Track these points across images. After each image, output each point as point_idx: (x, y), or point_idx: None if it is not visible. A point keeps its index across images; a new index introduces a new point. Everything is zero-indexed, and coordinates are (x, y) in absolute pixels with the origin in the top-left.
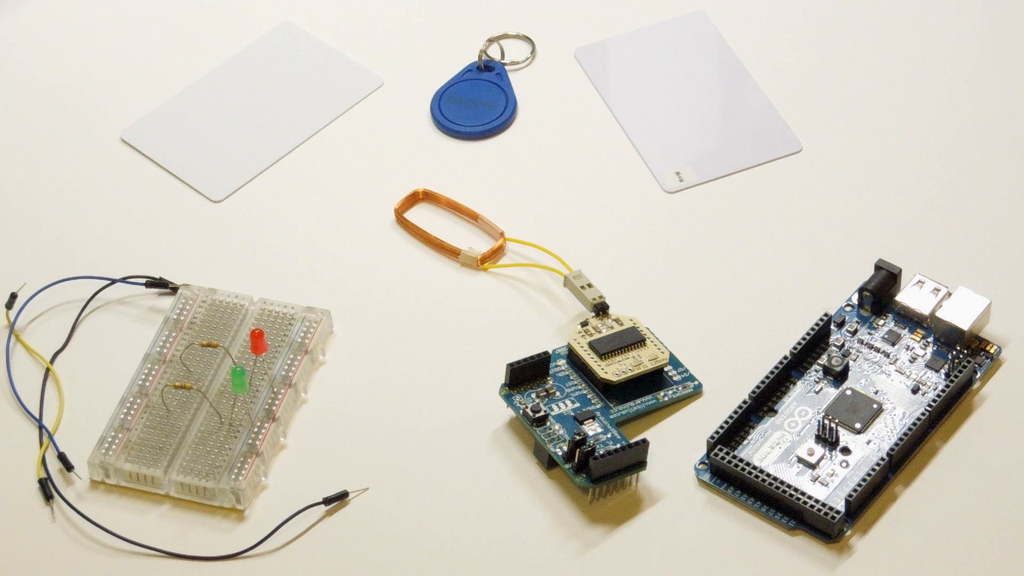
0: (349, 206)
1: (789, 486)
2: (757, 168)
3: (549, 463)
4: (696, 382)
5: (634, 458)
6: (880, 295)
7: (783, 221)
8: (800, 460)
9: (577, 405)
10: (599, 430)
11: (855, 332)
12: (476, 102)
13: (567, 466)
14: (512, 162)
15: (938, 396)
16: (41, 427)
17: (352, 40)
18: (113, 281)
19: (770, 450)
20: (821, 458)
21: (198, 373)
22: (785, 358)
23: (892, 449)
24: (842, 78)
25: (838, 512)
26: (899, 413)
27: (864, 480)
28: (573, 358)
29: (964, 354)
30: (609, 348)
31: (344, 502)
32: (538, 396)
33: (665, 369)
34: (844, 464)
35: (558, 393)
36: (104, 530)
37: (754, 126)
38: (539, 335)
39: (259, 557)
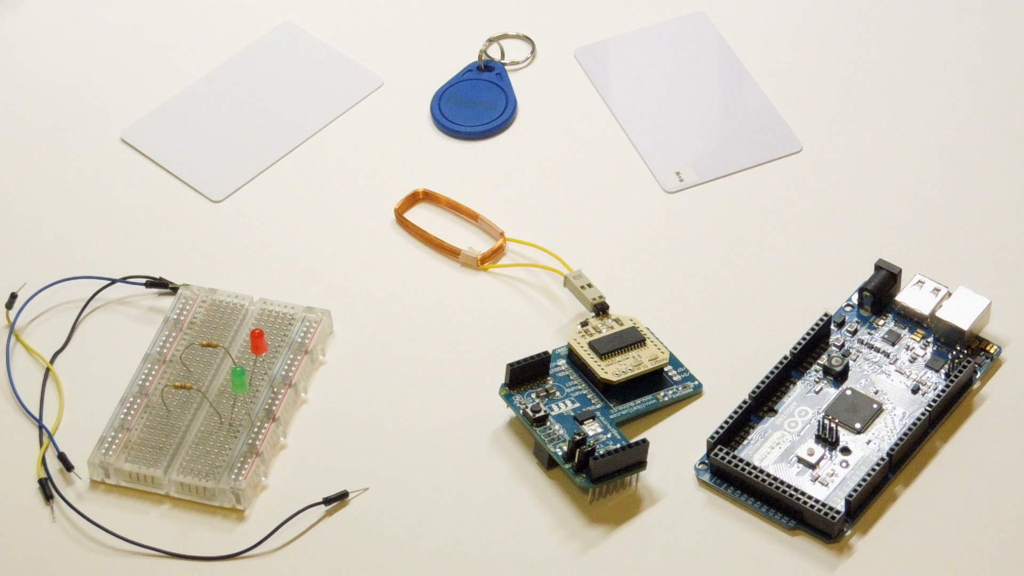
0: (349, 206)
1: (789, 486)
2: (757, 168)
3: (549, 463)
4: (696, 382)
5: (634, 458)
6: (880, 295)
7: (783, 221)
8: (800, 460)
9: (577, 405)
10: (599, 430)
11: (855, 332)
12: (476, 102)
13: (567, 466)
14: (512, 162)
15: (938, 396)
16: (41, 427)
17: (352, 40)
18: (113, 281)
19: (770, 450)
20: (821, 458)
21: (198, 373)
22: (785, 358)
23: (892, 449)
24: (842, 78)
25: (838, 512)
26: (899, 413)
27: (864, 480)
28: (573, 358)
29: (964, 354)
30: (609, 348)
31: (344, 502)
32: (538, 396)
33: (665, 369)
34: (844, 464)
35: (558, 393)
36: (104, 530)
37: (754, 126)
38: (539, 335)
39: (259, 557)
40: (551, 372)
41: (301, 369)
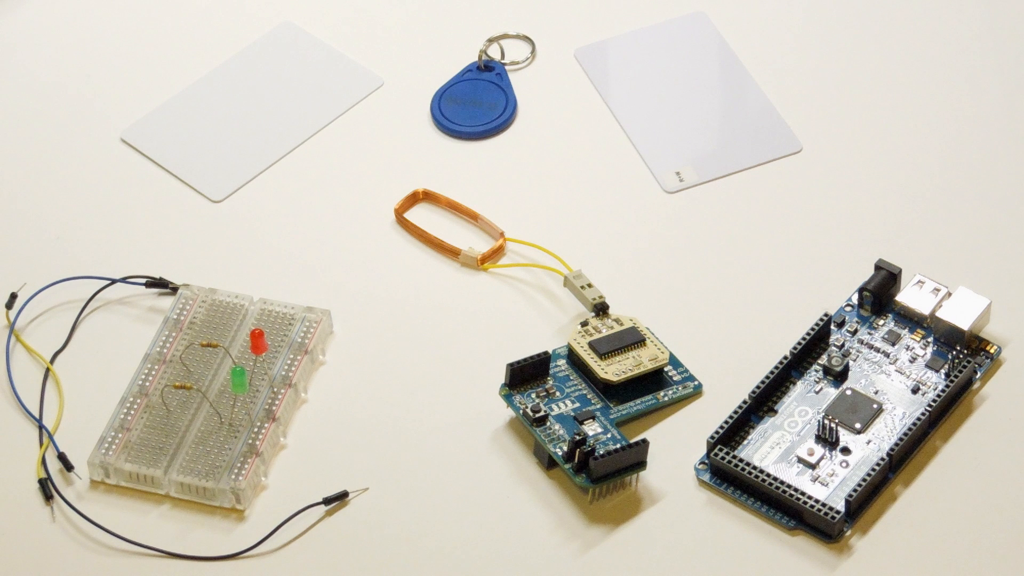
0: (349, 206)
1: (789, 486)
2: (757, 168)
3: (549, 463)
4: (696, 382)
5: (634, 458)
6: (880, 295)
7: (783, 221)
8: (800, 460)
9: (577, 405)
10: (599, 430)
11: (855, 332)
12: (476, 102)
13: (567, 466)
14: (512, 162)
15: (938, 396)
16: (41, 427)
17: (352, 40)
18: (113, 281)
19: (770, 450)
20: (821, 458)
21: (198, 373)
22: (785, 358)
23: (892, 449)
24: (842, 78)
25: (838, 512)
26: (899, 413)
27: (864, 480)
28: (573, 358)
29: (964, 354)
30: (609, 348)
31: (344, 502)
32: (538, 396)
33: (665, 369)
34: (844, 464)
35: (558, 393)
36: (104, 530)
37: (754, 126)
38: (539, 335)
39: (259, 557)
40: (551, 372)
41: (301, 369)
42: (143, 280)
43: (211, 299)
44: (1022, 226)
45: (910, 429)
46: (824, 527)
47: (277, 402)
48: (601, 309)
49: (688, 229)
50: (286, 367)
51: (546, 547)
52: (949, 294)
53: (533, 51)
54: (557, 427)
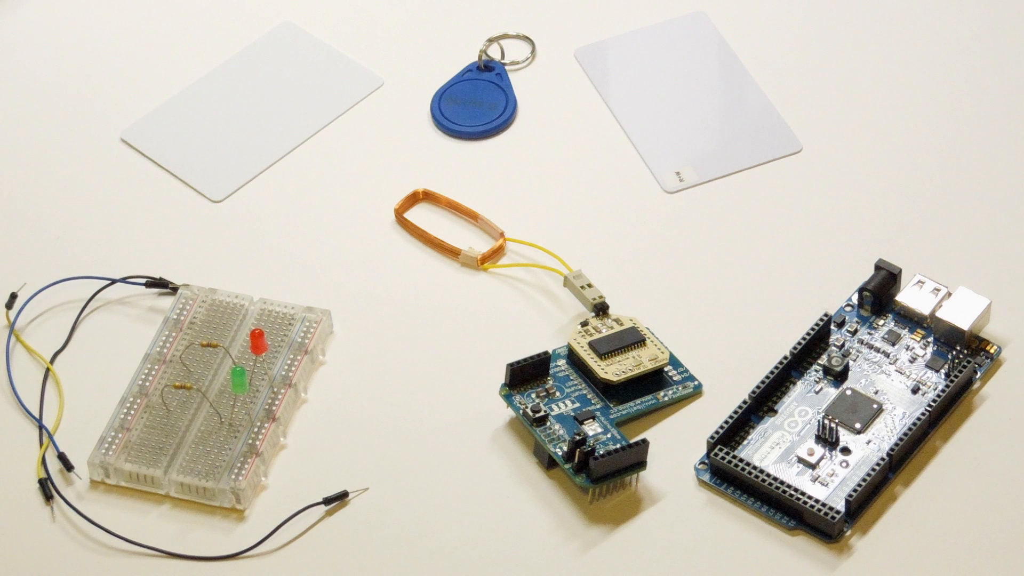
0: (349, 206)
1: (789, 486)
2: (757, 168)
3: (549, 463)
4: (696, 382)
5: (634, 458)
6: (880, 295)
7: (783, 221)
8: (800, 460)
9: (577, 405)
10: (599, 430)
11: (855, 332)
12: (476, 102)
13: (567, 466)
14: (512, 162)
15: (938, 396)
16: (41, 427)
17: (352, 40)
18: (113, 281)
19: (770, 450)
20: (821, 458)
21: (198, 373)
22: (785, 358)
23: (892, 449)
24: (842, 78)
25: (838, 512)
26: (899, 413)
27: (864, 480)
28: (573, 358)
29: (964, 354)
30: (609, 348)
31: (344, 502)
32: (538, 396)
33: (665, 369)
34: (844, 464)
35: (558, 393)
36: (104, 530)
37: (754, 126)
38: (539, 335)
39: (259, 557)
40: (551, 372)
41: (301, 369)
42: (143, 280)
43: (211, 299)
44: (1022, 226)
45: (910, 429)
46: (824, 527)
47: (277, 402)
48: (601, 309)
49: (688, 229)
50: (286, 367)
51: (546, 547)
52: (949, 294)
53: (533, 51)
54: (557, 427)
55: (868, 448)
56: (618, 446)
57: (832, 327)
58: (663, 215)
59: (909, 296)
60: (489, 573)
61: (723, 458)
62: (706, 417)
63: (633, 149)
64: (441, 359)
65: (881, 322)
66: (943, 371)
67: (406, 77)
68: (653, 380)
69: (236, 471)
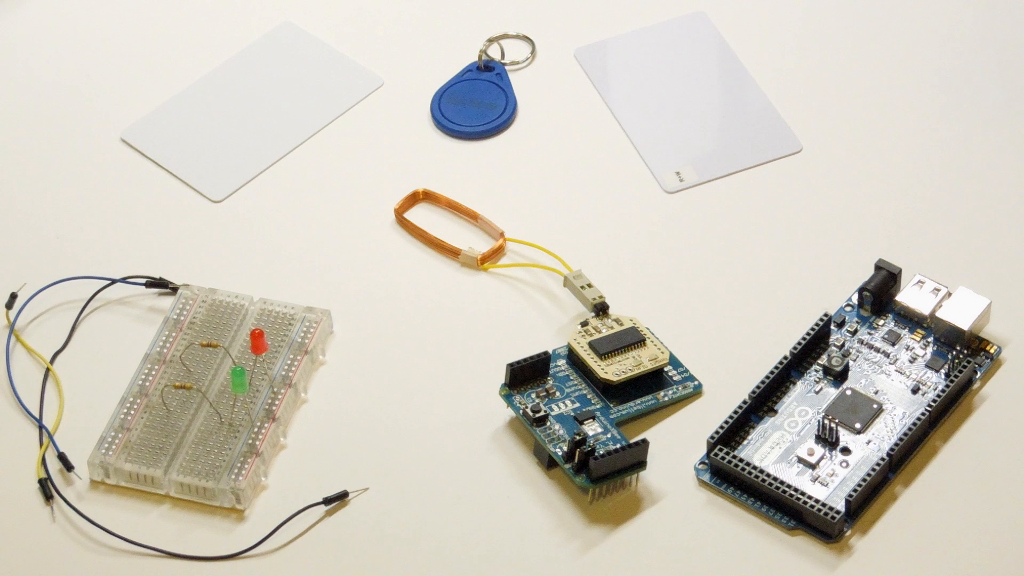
0: (349, 206)
1: (789, 486)
2: (757, 168)
3: (549, 463)
4: (696, 382)
5: (634, 458)
6: (880, 295)
7: (783, 221)
8: (800, 460)
9: (577, 405)
10: (599, 430)
11: (855, 332)
12: (476, 102)
13: (567, 466)
14: (512, 162)
15: (938, 396)
16: (41, 427)
17: (352, 40)
18: (113, 281)
19: (770, 450)
20: (821, 458)
21: (198, 373)
22: (785, 358)
23: (892, 449)
24: (842, 78)
25: (838, 512)
26: (899, 413)
27: (864, 480)
28: (573, 358)
29: (964, 354)
30: (609, 348)
31: (344, 502)
32: (538, 396)
33: (665, 369)
34: (844, 464)
35: (558, 393)
36: (104, 530)
37: (754, 126)
38: (539, 335)
39: (259, 557)
40: (551, 372)
41: (301, 369)
42: (143, 280)
43: (211, 299)
44: (1022, 226)
45: (910, 429)
46: (824, 527)
47: (277, 402)
48: (601, 309)
49: (688, 229)
50: (286, 367)
51: (546, 547)
52: (949, 294)
53: (533, 51)
54: (557, 427)
55: (868, 448)
56: (618, 446)
57: (832, 327)
58: (663, 215)
59: (909, 296)
60: (489, 573)
61: (723, 458)
62: (706, 417)
63: (633, 149)
64: (441, 359)
65: (881, 322)
66: (943, 371)
67: (406, 77)
68: (653, 380)
69: (236, 471)
